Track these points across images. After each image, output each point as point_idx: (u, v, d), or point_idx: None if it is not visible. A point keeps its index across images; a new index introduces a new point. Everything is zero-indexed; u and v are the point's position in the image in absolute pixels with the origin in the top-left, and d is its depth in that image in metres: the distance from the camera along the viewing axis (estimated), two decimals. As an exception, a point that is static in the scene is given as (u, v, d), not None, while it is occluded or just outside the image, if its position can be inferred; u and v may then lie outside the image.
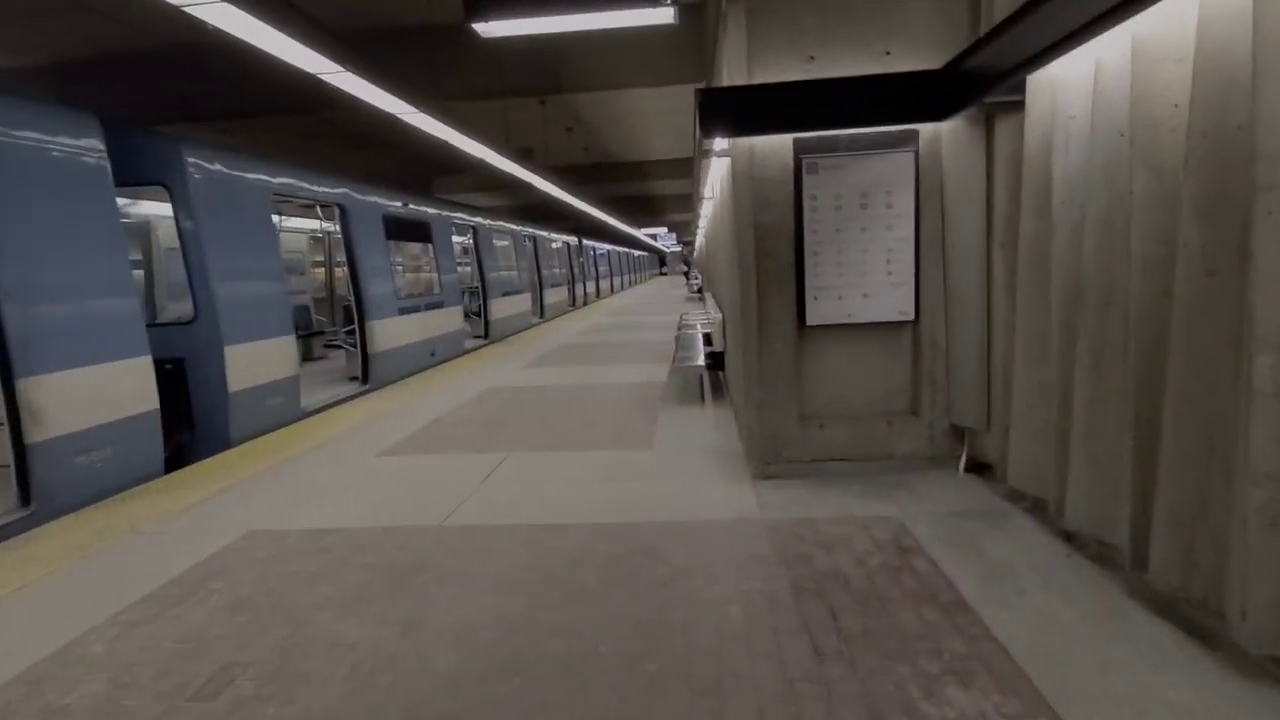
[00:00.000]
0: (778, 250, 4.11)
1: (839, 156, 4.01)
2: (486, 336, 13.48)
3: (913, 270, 4.08)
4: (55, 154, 4.43)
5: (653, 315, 17.44)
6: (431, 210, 11.16)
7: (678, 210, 33.52)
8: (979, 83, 3.43)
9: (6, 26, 8.48)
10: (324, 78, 5.24)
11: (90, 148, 4.71)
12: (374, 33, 9.12)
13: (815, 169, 4.01)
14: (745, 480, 4.26)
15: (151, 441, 5.04)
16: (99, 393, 4.57)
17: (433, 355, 10.36)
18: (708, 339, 8.19)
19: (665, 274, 61.33)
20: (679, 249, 58.81)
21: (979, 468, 4.15)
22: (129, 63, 9.89)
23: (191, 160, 5.74)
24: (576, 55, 10.21)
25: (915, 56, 3.96)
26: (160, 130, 5.73)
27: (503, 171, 11.31)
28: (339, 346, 10.29)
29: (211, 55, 9.33)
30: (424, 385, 8.40)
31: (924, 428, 4.21)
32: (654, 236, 43.55)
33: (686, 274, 38.81)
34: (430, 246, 11.10)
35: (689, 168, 20.17)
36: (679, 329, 8.65)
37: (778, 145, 4.04)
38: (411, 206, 10.30)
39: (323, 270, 13.65)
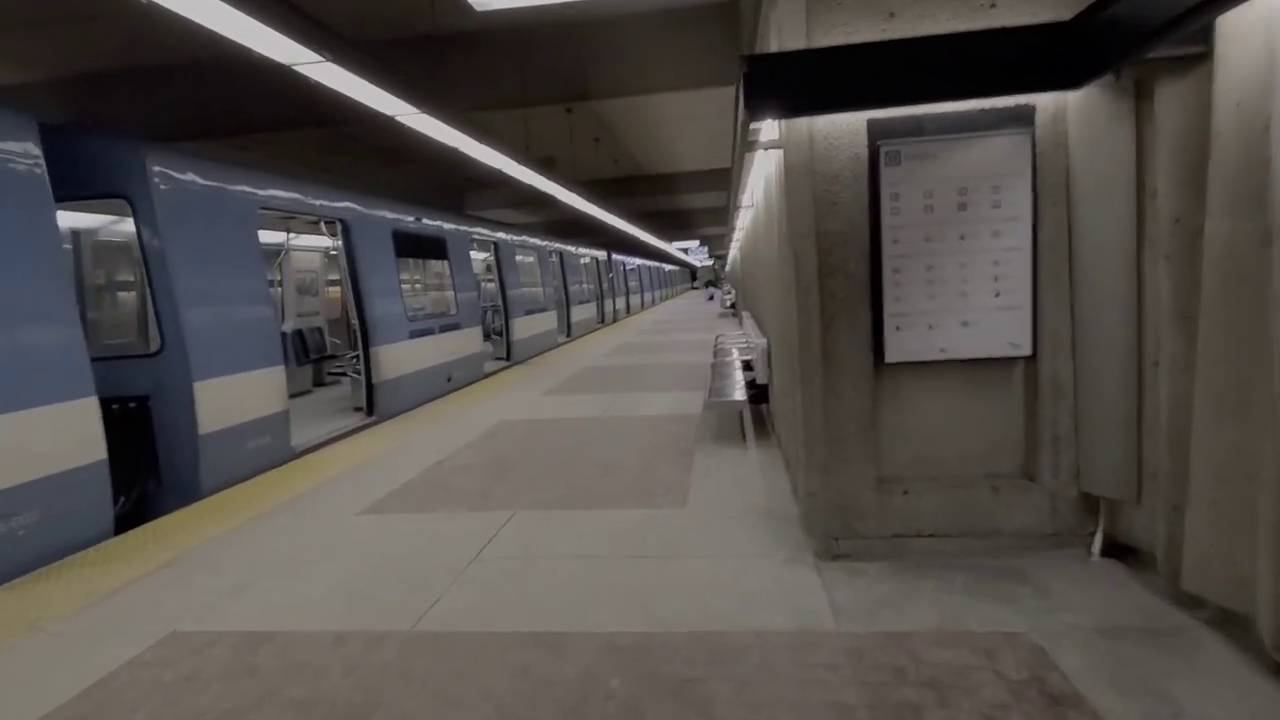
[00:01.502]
0: (847, 266, 3.17)
1: (928, 142, 3.06)
2: (509, 358, 12.70)
3: (1029, 290, 3.10)
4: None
5: (685, 333, 16.52)
6: (448, 225, 10.45)
7: (710, 224, 32.70)
8: (1132, 34, 2.46)
9: (14, 38, 8.06)
10: (301, 69, 4.49)
11: (19, 153, 4.01)
12: (378, 43, 8.51)
13: (897, 159, 3.07)
14: (807, 561, 3.30)
15: (95, 499, 4.28)
16: (18, 446, 3.82)
17: (449, 381, 9.59)
18: (747, 366, 7.23)
19: (696, 288, 60.61)
20: (710, 263, 58.11)
21: (1118, 550, 3.12)
22: (143, 78, 9.48)
23: (157, 169, 5.04)
24: (603, 58, 9.46)
25: (1028, 8, 3.00)
26: (121, 135, 5.05)
27: (533, 187, 10.61)
28: (344, 374, 9.59)
29: (226, 69, 8.93)
30: (432, 417, 7.59)
31: (1043, 496, 3.20)
32: (685, 250, 42.72)
33: (713, 287, 37.70)
34: (446, 264, 10.37)
35: (722, 180, 19.30)
36: (714, 354, 7.72)
37: (846, 129, 3.12)
38: (425, 221, 9.59)
39: (339, 290, 13.07)
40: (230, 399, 5.46)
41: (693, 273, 68.79)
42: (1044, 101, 3.04)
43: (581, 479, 4.89)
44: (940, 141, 3.05)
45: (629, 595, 3.06)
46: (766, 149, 3.66)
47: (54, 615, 3.21)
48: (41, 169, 4.12)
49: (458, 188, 19.46)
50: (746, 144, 3.52)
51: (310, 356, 10.93)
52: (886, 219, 3.10)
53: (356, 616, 3.01)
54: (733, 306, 23.53)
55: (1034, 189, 3.05)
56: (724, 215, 23.92)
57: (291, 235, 10.94)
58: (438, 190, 18.90)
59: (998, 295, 3.10)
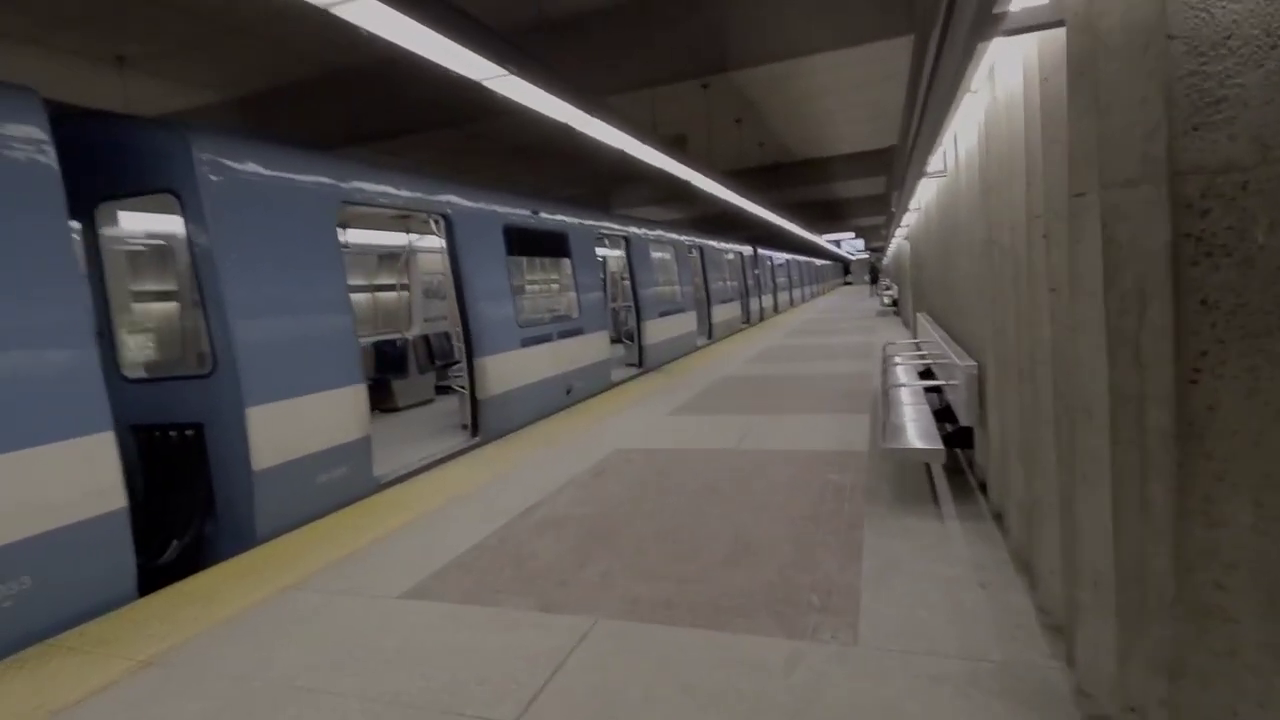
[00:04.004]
0: (1249, 237, 1.47)
1: None
2: (641, 364, 11.51)
3: None
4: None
5: (840, 336, 14.48)
6: (571, 219, 9.42)
7: (866, 213, 29.83)
8: None
9: (177, 61, 8.21)
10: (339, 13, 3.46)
11: (20, 137, 3.29)
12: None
13: (1402, -12, 1.34)
14: (1122, 838, 1.64)
15: (109, 558, 3.52)
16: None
17: (568, 393, 8.55)
18: (931, 390, 5.41)
19: (850, 284, 56.77)
20: (865, 256, 54.37)
21: None
22: (295, 92, 9.55)
23: (206, 158, 4.27)
24: (743, 20, 7.98)
25: None
26: (164, 122, 4.36)
27: (673, 177, 9.40)
28: (448, 389, 8.82)
29: (366, 77, 8.87)
30: (543, 438, 6.51)
31: None
32: (837, 243, 39.71)
33: (873, 281, 34.61)
34: (568, 262, 9.34)
35: (881, 162, 16.94)
36: (885, 375, 5.94)
37: (1257, -60, 1.43)
38: (543, 215, 8.60)
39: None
40: (294, 427, 4.63)
41: (845, 266, 64.80)
42: None
43: (699, 561, 3.46)
44: None
45: None
46: (1029, 30, 2.00)
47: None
48: (47, 156, 3.40)
49: (602, 186, 18.77)
50: (989, 19, 1.89)
51: (435, 363, 10.42)
52: (1364, 131, 1.37)
53: None
54: (893, 304, 20.88)
55: None
56: (882, 202, 21.27)
57: (415, 237, 10.50)
58: (582, 189, 18.36)
59: None
